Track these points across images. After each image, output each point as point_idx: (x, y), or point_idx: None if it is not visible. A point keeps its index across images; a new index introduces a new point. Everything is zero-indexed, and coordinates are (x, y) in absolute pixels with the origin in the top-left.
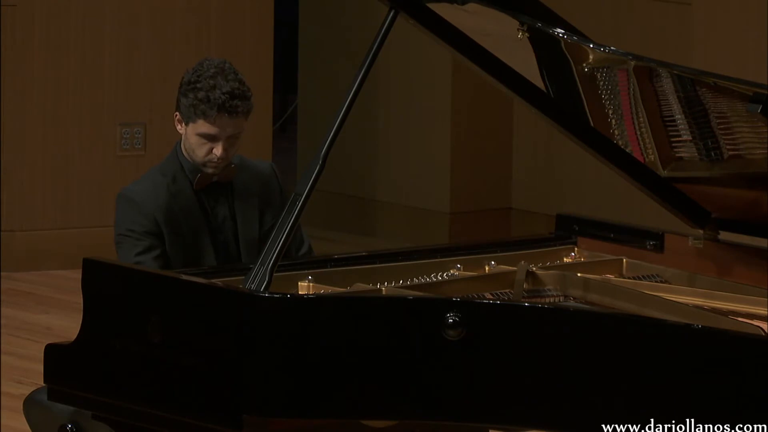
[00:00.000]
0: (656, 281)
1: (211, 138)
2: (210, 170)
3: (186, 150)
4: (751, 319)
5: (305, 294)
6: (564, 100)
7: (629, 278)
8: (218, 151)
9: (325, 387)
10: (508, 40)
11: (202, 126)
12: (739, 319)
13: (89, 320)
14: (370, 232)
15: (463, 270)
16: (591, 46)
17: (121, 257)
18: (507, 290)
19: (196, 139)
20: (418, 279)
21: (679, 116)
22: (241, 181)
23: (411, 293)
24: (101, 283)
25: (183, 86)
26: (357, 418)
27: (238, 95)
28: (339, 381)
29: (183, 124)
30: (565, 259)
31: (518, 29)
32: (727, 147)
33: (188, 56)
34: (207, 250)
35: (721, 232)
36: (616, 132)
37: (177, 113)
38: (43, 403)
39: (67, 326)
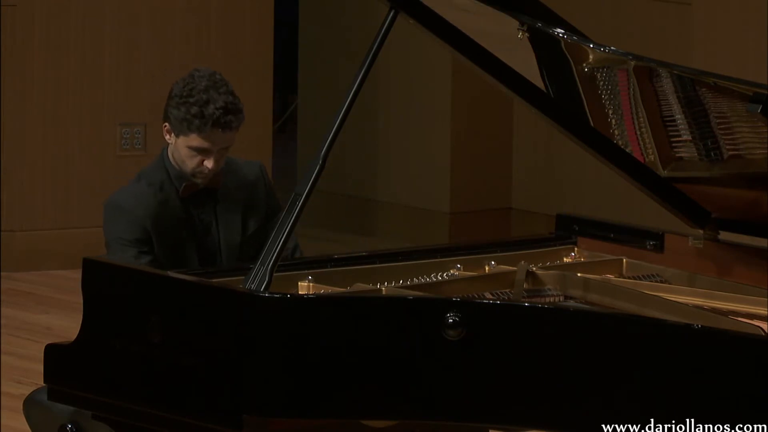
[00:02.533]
0: (656, 281)
1: (203, 151)
2: (199, 181)
3: (175, 160)
4: (751, 319)
5: (305, 294)
6: (564, 100)
7: (629, 278)
8: (209, 164)
9: (325, 387)
10: (508, 40)
11: (195, 140)
12: (739, 319)
13: (89, 320)
14: (370, 232)
15: (463, 270)
16: (591, 46)
17: None
18: (507, 290)
19: (187, 152)
20: (418, 279)
21: (679, 116)
22: (226, 186)
23: (411, 293)
24: (101, 283)
25: (174, 98)
26: (357, 418)
27: (231, 110)
28: (339, 381)
29: (172, 135)
30: (565, 259)
31: (518, 29)
32: (727, 147)
33: (188, 56)
34: (191, 257)
35: (721, 232)
36: (616, 132)
37: (166, 124)
38: (43, 403)
39: (67, 326)
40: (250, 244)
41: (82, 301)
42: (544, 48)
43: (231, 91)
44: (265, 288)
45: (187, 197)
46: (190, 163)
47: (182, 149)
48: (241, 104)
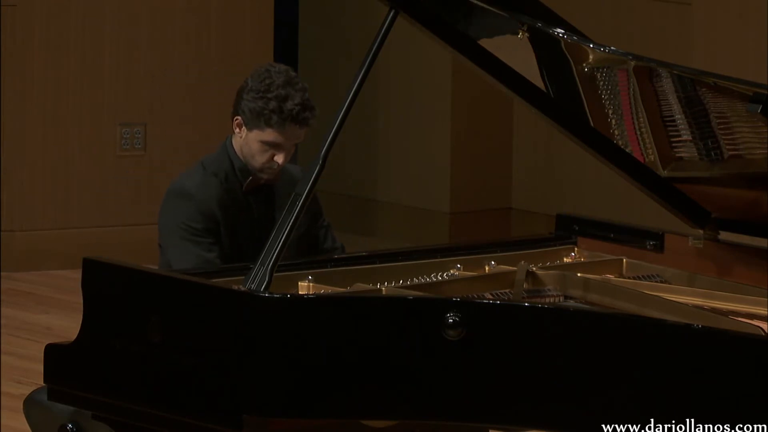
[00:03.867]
0: (656, 281)
1: (276, 146)
2: (266, 176)
3: (243, 154)
4: (751, 319)
5: (305, 294)
6: (564, 100)
7: (629, 278)
8: (280, 159)
9: (325, 387)
10: (508, 40)
11: (270, 134)
12: (739, 319)
13: (89, 320)
14: (370, 232)
15: (463, 270)
16: (591, 46)
17: (178, 253)
18: (507, 290)
19: (259, 146)
20: (418, 279)
21: (679, 116)
22: (281, 185)
23: (411, 293)
24: (101, 283)
25: (250, 92)
26: (357, 418)
27: (308, 107)
28: (339, 381)
29: (243, 129)
30: (565, 259)
31: (518, 29)
32: (727, 147)
33: (188, 56)
34: (250, 252)
35: (721, 232)
36: (616, 132)
37: (238, 117)
38: (43, 403)
39: (67, 326)
40: (297, 245)
41: (82, 301)
42: (544, 48)
43: (306, 88)
44: (265, 288)
45: (248, 191)
46: (260, 158)
47: (254, 143)
48: (313, 102)
